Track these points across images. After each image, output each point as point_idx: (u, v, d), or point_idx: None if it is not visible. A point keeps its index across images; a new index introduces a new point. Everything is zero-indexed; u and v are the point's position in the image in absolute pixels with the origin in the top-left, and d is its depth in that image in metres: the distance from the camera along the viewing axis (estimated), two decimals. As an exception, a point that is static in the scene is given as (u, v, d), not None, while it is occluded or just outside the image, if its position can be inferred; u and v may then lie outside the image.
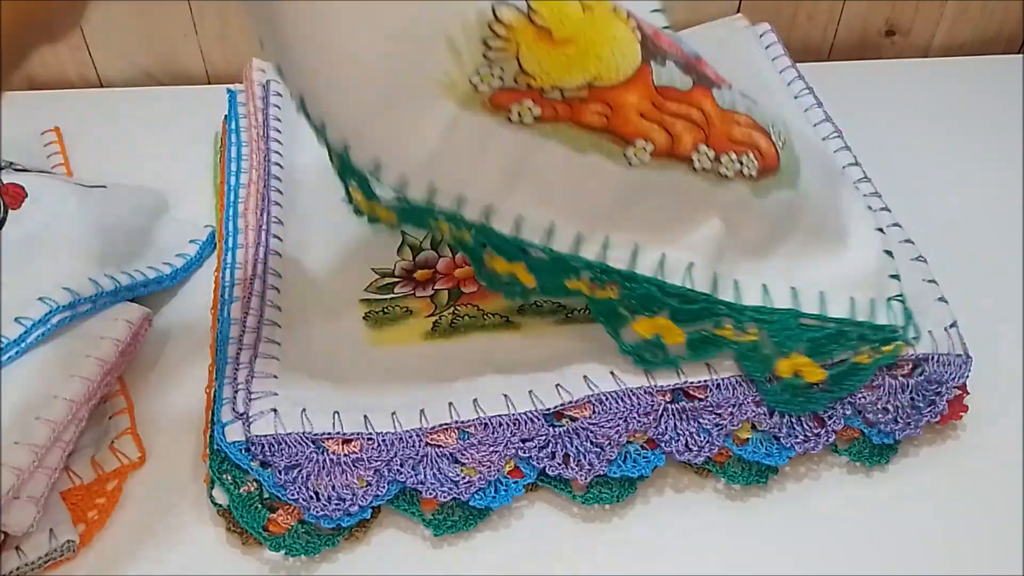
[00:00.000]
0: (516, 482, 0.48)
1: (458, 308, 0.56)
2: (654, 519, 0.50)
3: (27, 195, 0.56)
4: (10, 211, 0.55)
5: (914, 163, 0.69)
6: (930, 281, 0.54)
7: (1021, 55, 0.81)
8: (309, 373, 0.50)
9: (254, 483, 0.47)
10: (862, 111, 0.71)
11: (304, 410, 0.47)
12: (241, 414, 0.48)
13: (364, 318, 0.55)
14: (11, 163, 0.61)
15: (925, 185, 0.67)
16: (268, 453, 0.46)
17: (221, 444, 0.47)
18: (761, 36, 0.71)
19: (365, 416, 0.48)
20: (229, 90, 0.69)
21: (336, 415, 0.48)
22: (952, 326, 0.53)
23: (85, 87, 0.78)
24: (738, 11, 0.76)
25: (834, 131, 0.63)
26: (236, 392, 0.49)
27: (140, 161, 0.69)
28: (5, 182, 0.56)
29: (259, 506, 0.47)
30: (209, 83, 0.79)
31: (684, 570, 0.48)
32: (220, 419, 0.48)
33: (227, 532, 0.48)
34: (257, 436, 0.46)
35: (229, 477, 0.47)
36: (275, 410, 0.47)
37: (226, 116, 0.68)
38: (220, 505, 0.48)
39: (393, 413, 0.48)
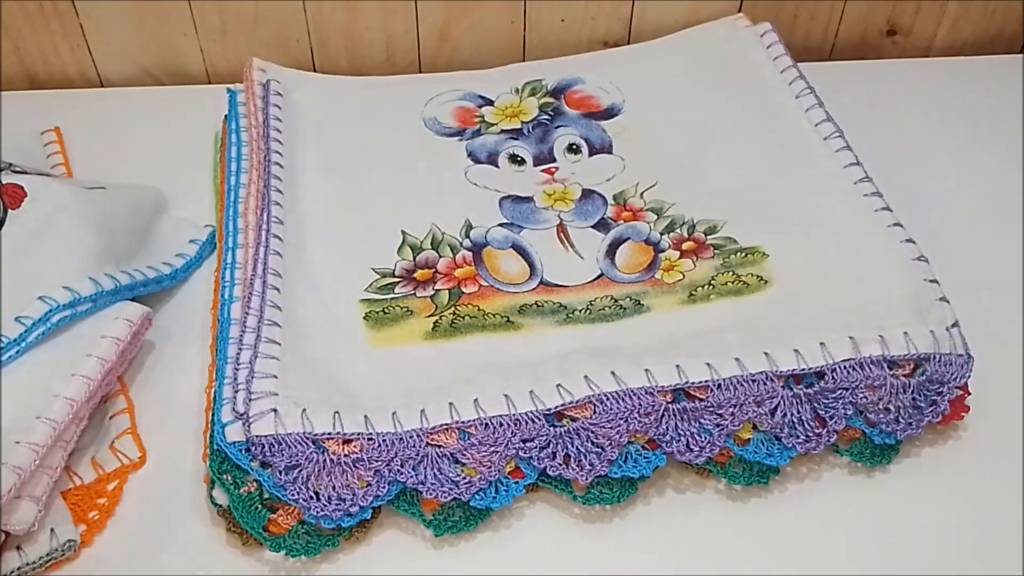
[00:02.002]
0: (517, 482, 0.48)
1: (459, 308, 0.56)
2: (655, 520, 0.50)
3: (26, 195, 0.55)
4: (10, 211, 0.55)
5: (914, 163, 0.69)
6: (931, 281, 0.54)
7: (1022, 55, 0.81)
8: (309, 374, 0.50)
9: (254, 483, 0.47)
10: (863, 111, 0.71)
11: (304, 410, 0.47)
12: (241, 414, 0.48)
13: (364, 319, 0.55)
14: (10, 164, 0.60)
15: (926, 185, 0.67)
16: (268, 453, 0.46)
17: (221, 444, 0.47)
18: (762, 36, 0.71)
19: (366, 416, 0.48)
20: (229, 90, 0.69)
21: (336, 415, 0.48)
22: (954, 326, 0.53)
23: (85, 87, 0.78)
24: (739, 11, 0.76)
25: (835, 131, 0.63)
26: (236, 392, 0.49)
27: (140, 161, 0.69)
28: (4, 182, 0.56)
29: (259, 506, 0.47)
30: (209, 83, 0.79)
31: (685, 570, 0.48)
32: (220, 419, 0.48)
33: (227, 532, 0.48)
34: (257, 436, 0.46)
35: (229, 477, 0.47)
36: (275, 410, 0.47)
37: (226, 116, 0.68)
38: (220, 505, 0.48)
39: (393, 413, 0.48)
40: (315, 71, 0.77)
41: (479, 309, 0.56)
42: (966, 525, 0.49)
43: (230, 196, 0.62)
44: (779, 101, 0.66)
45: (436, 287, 0.57)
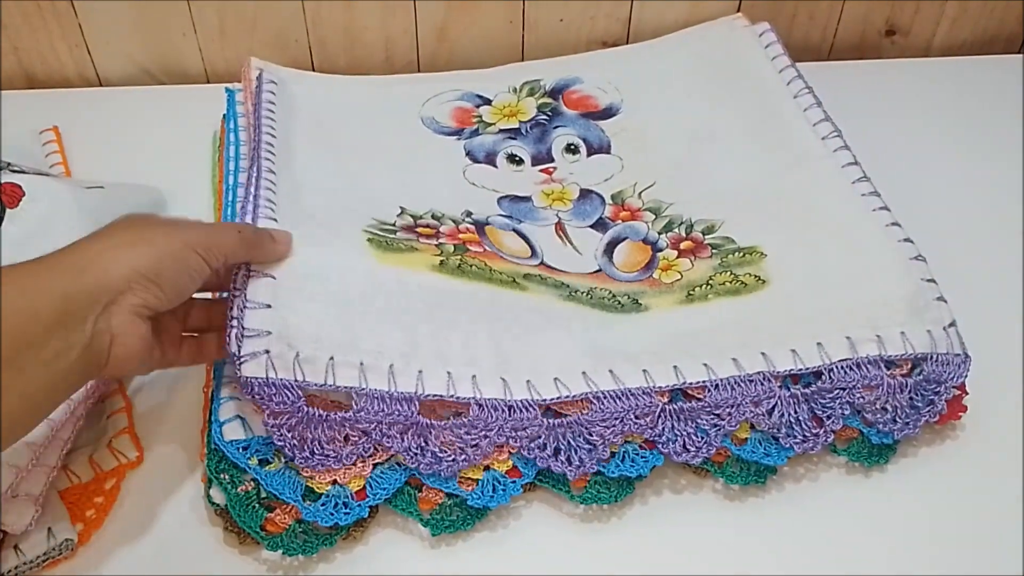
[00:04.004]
0: (514, 482, 0.48)
1: (465, 258, 0.54)
2: (652, 520, 0.50)
3: (25, 194, 0.56)
4: (8, 210, 0.55)
5: (914, 163, 0.69)
6: (929, 280, 0.54)
7: (1021, 55, 0.81)
8: (307, 300, 0.48)
9: (251, 482, 0.47)
10: (862, 111, 0.71)
11: (298, 355, 0.46)
12: (232, 352, 0.46)
13: (368, 241, 0.53)
14: (9, 164, 0.61)
15: (925, 185, 0.67)
16: (258, 395, 0.45)
17: (219, 443, 0.47)
18: (761, 36, 0.71)
19: (361, 363, 0.47)
20: (227, 89, 0.69)
21: (331, 363, 0.47)
22: (951, 325, 0.53)
23: (84, 86, 0.78)
24: (738, 11, 0.76)
25: (834, 131, 0.62)
26: (230, 326, 0.47)
27: (139, 160, 0.69)
28: (3, 181, 0.56)
29: (256, 505, 0.47)
30: (208, 82, 0.79)
31: (683, 571, 0.48)
32: (217, 418, 0.48)
33: (224, 532, 0.48)
34: (248, 378, 0.45)
35: (227, 476, 0.47)
36: (267, 351, 0.46)
37: (225, 115, 0.68)
38: (217, 505, 0.48)
39: (391, 366, 0.48)
40: (314, 70, 0.77)
41: (486, 264, 0.55)
42: (964, 525, 0.49)
43: (228, 196, 0.62)
44: (777, 101, 0.66)
45: (440, 241, 0.56)
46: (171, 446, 0.52)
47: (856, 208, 0.58)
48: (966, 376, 0.52)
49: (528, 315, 0.52)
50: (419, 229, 0.57)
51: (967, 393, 0.52)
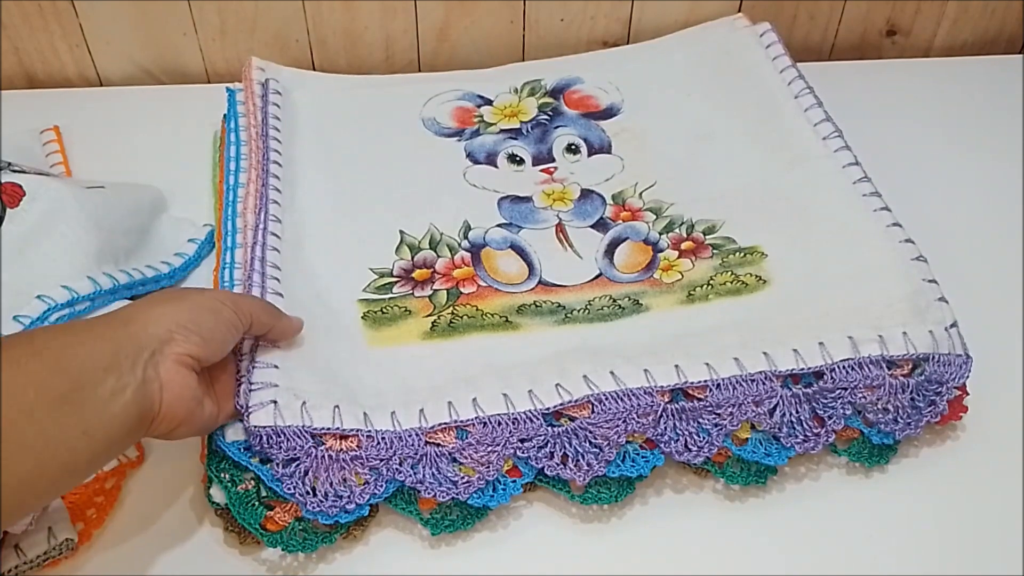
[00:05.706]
0: (514, 481, 0.48)
1: (457, 308, 0.56)
2: (652, 520, 0.50)
3: (25, 194, 0.56)
4: (8, 210, 0.55)
5: (914, 163, 0.69)
6: (930, 281, 0.54)
7: (1021, 55, 0.81)
8: (309, 368, 0.50)
9: (251, 481, 0.47)
10: (862, 111, 0.71)
11: (304, 403, 0.47)
12: (241, 405, 0.47)
13: (363, 318, 0.55)
14: (9, 163, 0.61)
15: (925, 185, 0.67)
16: (267, 445, 0.46)
17: (220, 444, 0.47)
18: (761, 36, 0.71)
19: (365, 414, 0.48)
20: (228, 89, 0.69)
21: (336, 409, 0.47)
22: (952, 326, 0.53)
23: (84, 86, 0.78)
24: (739, 11, 0.76)
25: (834, 131, 0.62)
26: (238, 383, 0.49)
27: (139, 160, 0.69)
28: (3, 181, 0.56)
29: (256, 503, 0.47)
30: (208, 82, 0.79)
31: (683, 571, 0.48)
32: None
33: (224, 532, 0.48)
34: (256, 427, 0.46)
35: (227, 476, 0.47)
36: (275, 402, 0.47)
37: (225, 115, 0.68)
38: (217, 504, 0.48)
39: (392, 413, 0.48)
40: (314, 70, 0.77)
41: (477, 309, 0.56)
42: (964, 525, 0.49)
43: (229, 195, 0.61)
44: (778, 101, 0.66)
45: (434, 287, 0.57)
46: (171, 446, 0.52)
47: (857, 208, 0.58)
48: (967, 377, 0.51)
49: (520, 354, 0.53)
50: (415, 274, 0.57)
51: (968, 393, 0.52)
